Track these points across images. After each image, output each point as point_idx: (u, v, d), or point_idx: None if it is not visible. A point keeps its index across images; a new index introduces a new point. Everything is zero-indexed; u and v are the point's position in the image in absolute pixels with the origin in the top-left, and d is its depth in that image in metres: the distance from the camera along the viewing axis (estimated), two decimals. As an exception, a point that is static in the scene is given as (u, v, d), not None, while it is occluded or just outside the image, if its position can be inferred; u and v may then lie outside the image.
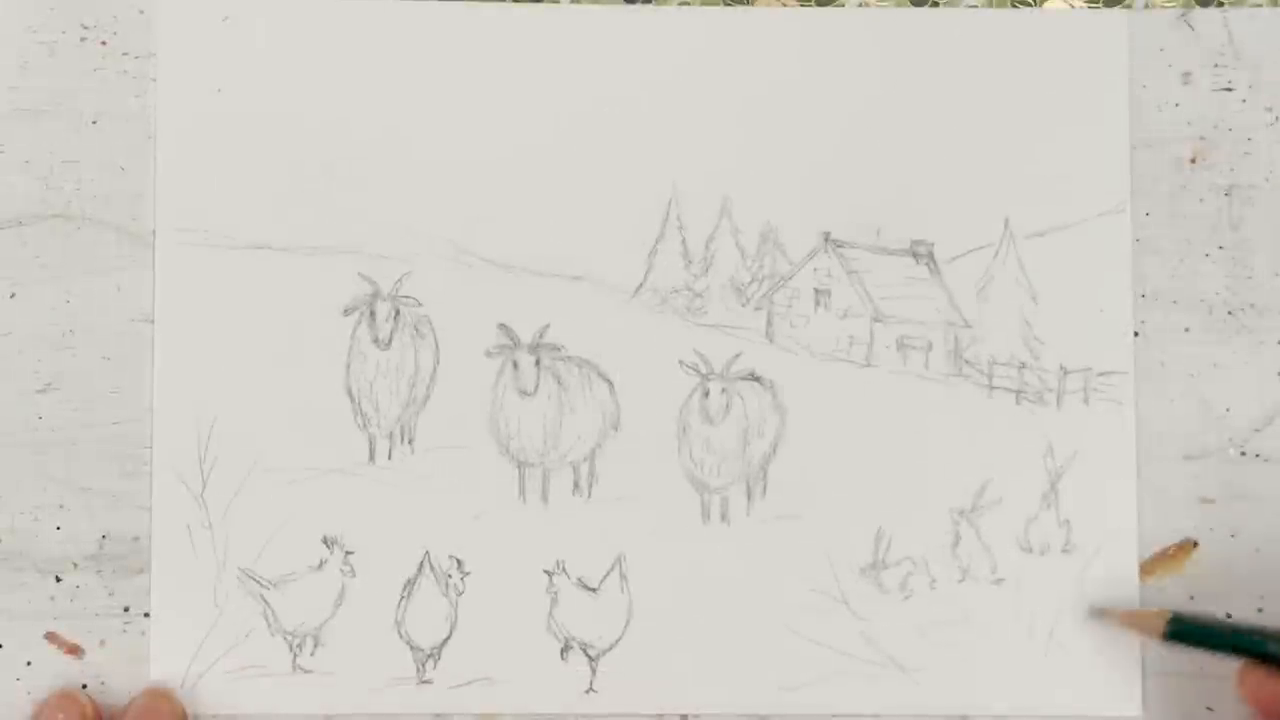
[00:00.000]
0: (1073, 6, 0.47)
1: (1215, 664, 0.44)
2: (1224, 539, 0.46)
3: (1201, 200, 0.47)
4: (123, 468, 0.45)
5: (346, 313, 0.45)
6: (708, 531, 0.45)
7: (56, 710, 0.43)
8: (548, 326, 0.46)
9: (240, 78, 0.45)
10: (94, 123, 0.45)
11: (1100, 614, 0.45)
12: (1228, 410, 0.46)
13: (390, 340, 0.45)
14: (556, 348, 0.46)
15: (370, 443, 0.45)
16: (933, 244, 0.46)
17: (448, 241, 0.46)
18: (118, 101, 0.45)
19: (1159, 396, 0.46)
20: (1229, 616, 0.46)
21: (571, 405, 0.46)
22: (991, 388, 0.46)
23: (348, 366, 0.45)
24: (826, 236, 0.46)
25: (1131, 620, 0.44)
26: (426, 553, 0.45)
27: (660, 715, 0.45)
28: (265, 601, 0.45)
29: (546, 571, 0.45)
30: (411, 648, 0.45)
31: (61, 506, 0.45)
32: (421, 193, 0.46)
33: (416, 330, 0.46)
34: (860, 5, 0.47)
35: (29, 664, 0.44)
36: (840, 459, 0.45)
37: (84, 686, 0.44)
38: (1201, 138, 0.47)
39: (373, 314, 0.45)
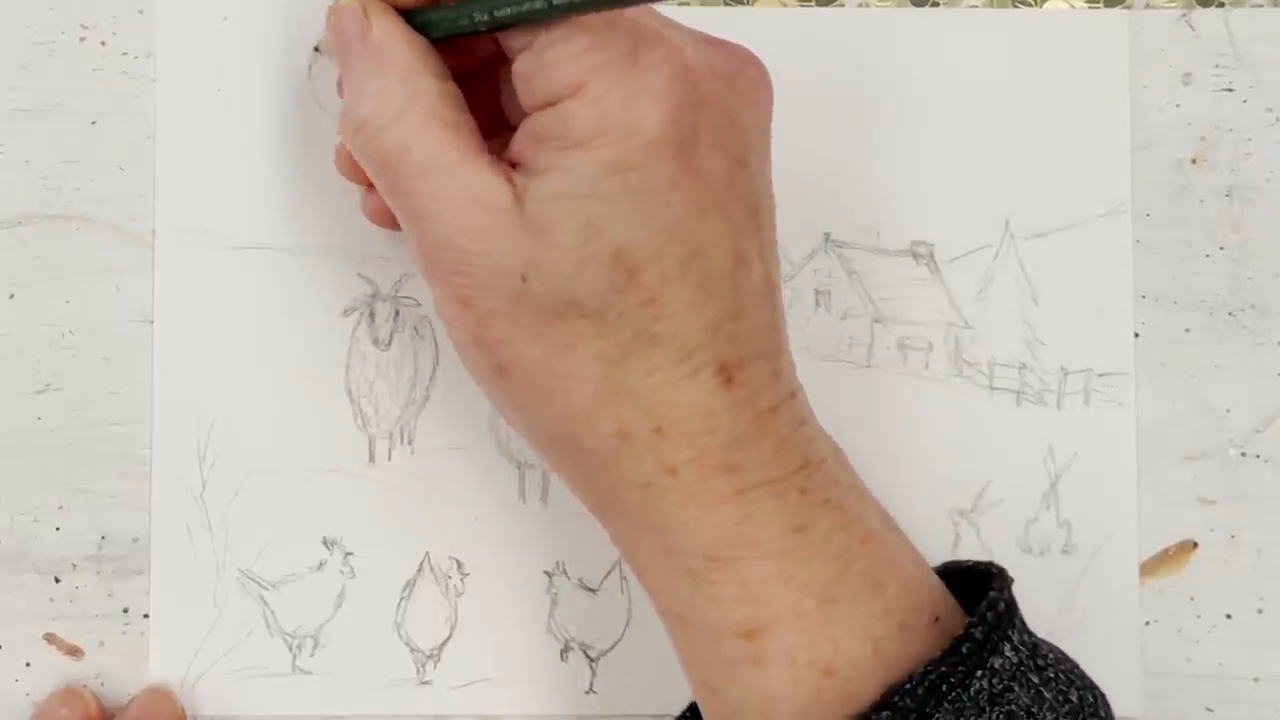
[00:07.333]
0: (1073, 6, 0.47)
1: (1215, 664, 0.45)
2: (1224, 539, 0.46)
3: (1202, 201, 0.47)
4: (122, 468, 0.45)
5: (346, 313, 0.45)
6: (708, 532, 0.45)
7: (60, 706, 0.43)
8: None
9: (240, 78, 0.45)
10: (94, 123, 0.45)
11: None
12: (1228, 411, 0.46)
13: (390, 341, 0.45)
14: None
15: (370, 443, 0.45)
16: (933, 245, 0.46)
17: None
18: (118, 101, 0.45)
19: (1159, 397, 0.46)
20: (1229, 618, 0.46)
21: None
22: (992, 389, 0.46)
23: (347, 367, 0.45)
24: (827, 237, 0.46)
25: None
26: (426, 554, 0.45)
27: (660, 716, 0.45)
28: (265, 602, 0.45)
29: (547, 572, 0.45)
30: (411, 649, 0.45)
31: (61, 507, 0.45)
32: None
33: (416, 330, 0.45)
34: (860, 5, 0.47)
35: (28, 665, 0.44)
36: (840, 459, 0.45)
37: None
38: (1202, 138, 0.47)
39: (372, 314, 0.45)
